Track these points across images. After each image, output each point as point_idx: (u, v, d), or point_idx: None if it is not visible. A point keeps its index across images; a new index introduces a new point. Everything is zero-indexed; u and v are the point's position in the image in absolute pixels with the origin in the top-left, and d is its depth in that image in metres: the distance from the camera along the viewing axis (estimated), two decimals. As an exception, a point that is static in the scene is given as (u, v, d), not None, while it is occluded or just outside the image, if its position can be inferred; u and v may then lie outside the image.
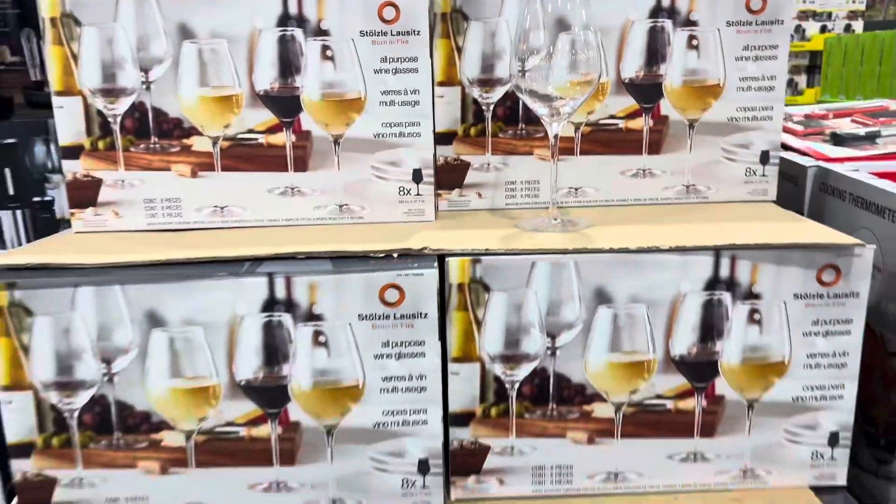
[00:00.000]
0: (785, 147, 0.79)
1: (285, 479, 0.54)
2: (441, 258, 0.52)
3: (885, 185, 0.61)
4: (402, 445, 0.54)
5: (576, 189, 0.66)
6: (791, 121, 0.90)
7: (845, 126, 0.86)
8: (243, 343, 0.51)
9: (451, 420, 0.55)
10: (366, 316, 0.51)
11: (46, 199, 0.74)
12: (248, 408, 0.53)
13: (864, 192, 0.62)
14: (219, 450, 0.53)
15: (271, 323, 0.51)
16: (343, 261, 0.52)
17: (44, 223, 0.74)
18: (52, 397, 0.52)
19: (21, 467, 0.53)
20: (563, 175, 0.65)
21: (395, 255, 0.52)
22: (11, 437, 0.52)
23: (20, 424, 0.52)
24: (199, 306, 0.51)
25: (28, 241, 0.80)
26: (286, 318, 0.51)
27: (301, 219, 0.60)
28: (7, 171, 0.71)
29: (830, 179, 0.67)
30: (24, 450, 0.53)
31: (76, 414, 0.52)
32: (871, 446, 0.62)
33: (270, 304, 0.51)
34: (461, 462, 0.56)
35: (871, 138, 0.81)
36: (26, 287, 0.50)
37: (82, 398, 0.52)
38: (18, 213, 0.72)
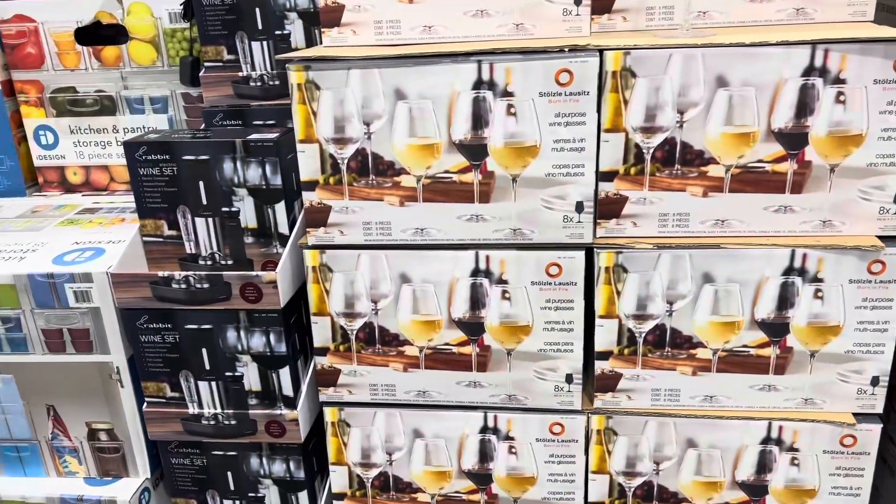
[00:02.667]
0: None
1: (482, 212, 0.77)
2: (601, 52, 0.72)
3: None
4: (566, 191, 0.75)
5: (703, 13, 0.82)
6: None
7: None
8: (458, 113, 0.74)
9: (601, 176, 0.76)
10: (544, 93, 0.72)
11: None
12: (459, 160, 0.76)
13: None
14: (438, 190, 0.77)
15: (478, 98, 0.73)
16: (530, 54, 0.72)
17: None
18: (331, 148, 0.77)
19: (308, 197, 0.79)
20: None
21: (567, 49, 0.71)
22: (304, 176, 0.78)
23: (309, 167, 0.78)
24: (429, 85, 0.73)
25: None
26: (488, 95, 0.73)
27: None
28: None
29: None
30: (311, 185, 0.79)
31: (346, 160, 0.77)
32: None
33: (478, 84, 0.73)
34: (606, 208, 0.77)
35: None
36: (316, 69, 0.74)
37: (350, 149, 0.77)
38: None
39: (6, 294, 0.85)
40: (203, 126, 1.02)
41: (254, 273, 0.80)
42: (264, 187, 0.83)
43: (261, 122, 1.01)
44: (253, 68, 1.00)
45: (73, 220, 1.02)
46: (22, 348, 0.88)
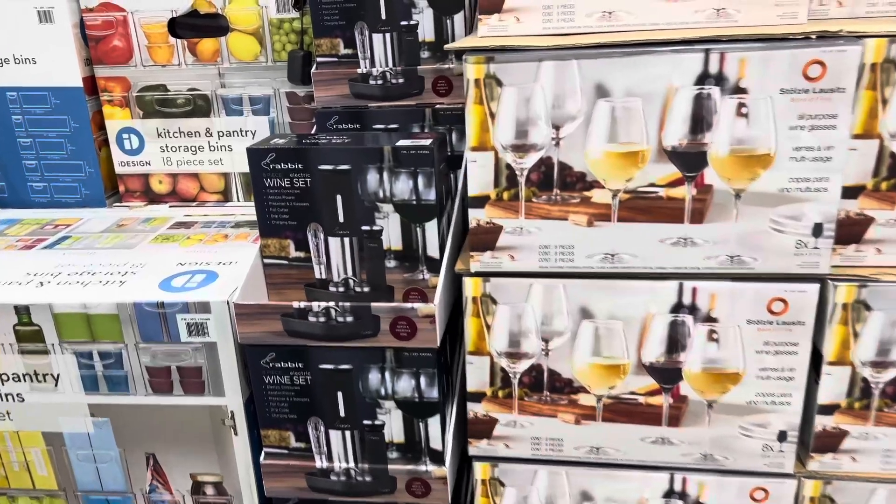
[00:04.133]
0: None
1: (692, 235, 0.63)
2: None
3: None
4: (801, 210, 0.61)
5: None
6: None
7: None
8: (674, 113, 0.60)
9: (843, 193, 0.62)
10: (787, 90, 0.59)
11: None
12: (669, 171, 0.62)
13: None
14: (638, 207, 0.64)
15: (701, 95, 0.60)
16: (770, 42, 0.58)
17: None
18: (508, 157, 0.63)
19: (475, 215, 0.66)
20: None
21: (814, 36, 0.58)
22: (473, 190, 0.65)
23: (481, 180, 0.65)
24: (640, 79, 0.60)
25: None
26: (714, 91, 0.59)
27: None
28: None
29: None
30: (481, 201, 0.65)
31: (526, 172, 0.64)
32: None
33: (702, 78, 0.59)
34: (845, 231, 0.63)
35: None
36: (501, 61, 0.61)
37: (532, 158, 0.63)
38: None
39: (108, 326, 0.73)
40: (314, 130, 0.90)
41: (408, 305, 0.67)
42: (415, 202, 0.70)
43: (381, 126, 0.89)
44: (373, 64, 0.87)
45: (168, 236, 0.90)
46: (122, 388, 0.75)
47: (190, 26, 0.97)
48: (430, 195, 0.70)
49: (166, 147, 1.01)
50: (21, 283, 0.76)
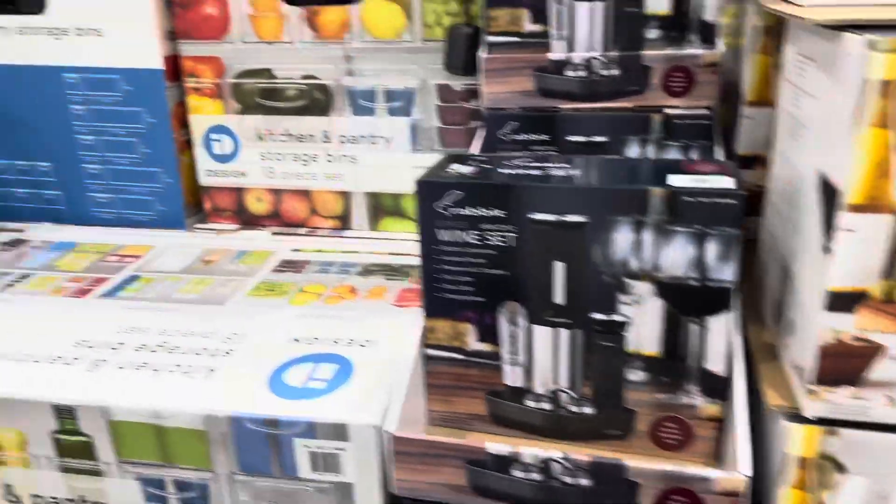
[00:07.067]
0: None
1: None
2: None
3: None
4: None
5: None
6: None
7: None
8: None
9: None
10: None
11: None
12: None
13: None
14: None
15: None
16: None
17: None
18: (923, 227, 0.35)
19: (834, 323, 0.38)
20: None
21: None
22: (842, 281, 0.36)
23: (856, 262, 0.36)
24: None
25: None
26: None
27: None
28: None
29: None
30: (850, 300, 0.37)
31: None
32: None
33: None
34: None
35: None
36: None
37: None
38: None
39: (189, 445, 0.47)
40: (484, 136, 0.63)
41: (696, 472, 0.39)
42: (697, 282, 0.42)
43: (581, 140, 0.61)
44: (572, 47, 0.60)
45: (273, 285, 0.64)
46: (206, 533, 0.51)
47: (309, -11, 0.71)
48: (726, 273, 0.41)
49: (269, 154, 0.75)
50: (67, 361, 0.52)
